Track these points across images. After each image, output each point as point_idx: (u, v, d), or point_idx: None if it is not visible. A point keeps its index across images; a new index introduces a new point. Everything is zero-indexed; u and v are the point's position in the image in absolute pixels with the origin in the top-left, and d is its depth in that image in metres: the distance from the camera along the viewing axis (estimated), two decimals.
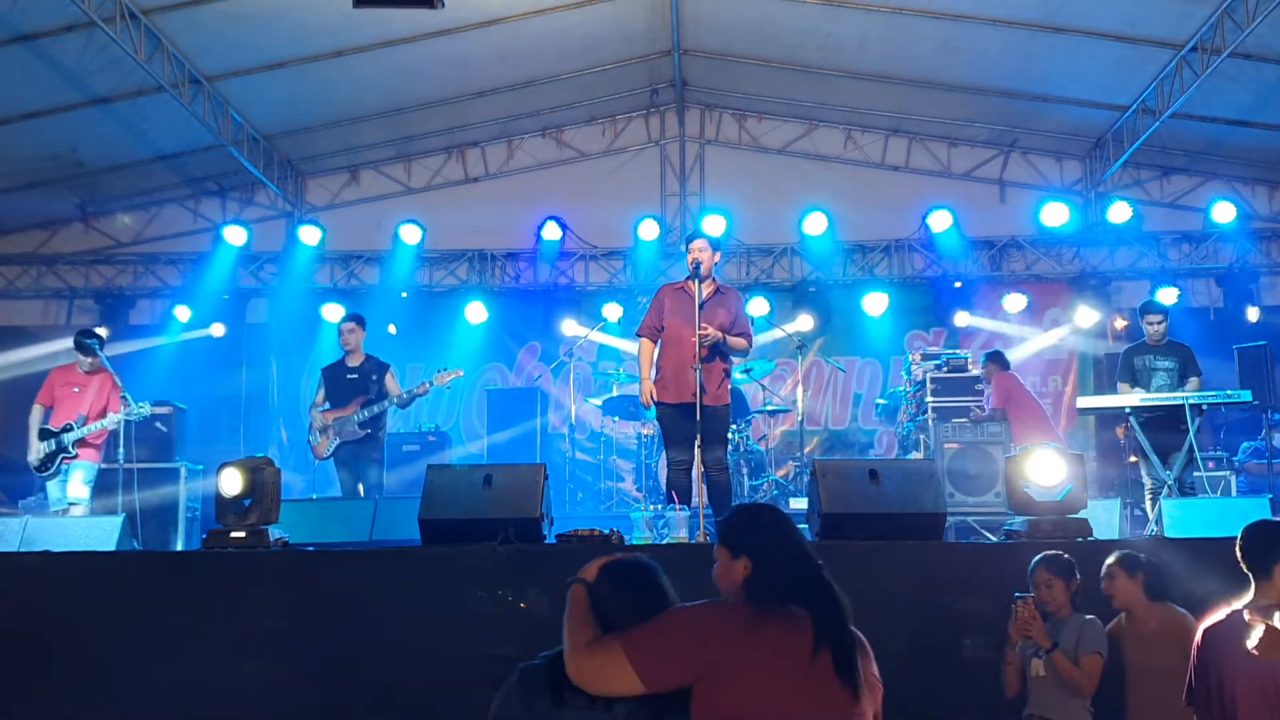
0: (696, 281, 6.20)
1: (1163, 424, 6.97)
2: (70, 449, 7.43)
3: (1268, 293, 11.64)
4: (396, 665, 4.75)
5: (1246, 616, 3.31)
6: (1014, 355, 10.70)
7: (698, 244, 6.36)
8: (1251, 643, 3.19)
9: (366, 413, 7.96)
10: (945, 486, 7.68)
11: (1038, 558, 4.42)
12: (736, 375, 8.44)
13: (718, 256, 6.51)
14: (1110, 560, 4.33)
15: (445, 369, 8.31)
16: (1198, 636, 3.52)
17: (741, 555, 2.64)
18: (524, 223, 11.70)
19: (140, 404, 7.38)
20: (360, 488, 7.92)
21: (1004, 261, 11.96)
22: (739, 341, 6.42)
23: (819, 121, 12.10)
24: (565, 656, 2.49)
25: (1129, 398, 7.21)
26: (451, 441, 10.85)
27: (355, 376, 8.15)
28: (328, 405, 8.13)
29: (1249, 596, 3.46)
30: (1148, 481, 7.24)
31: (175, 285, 12.16)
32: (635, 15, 10.15)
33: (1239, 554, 3.53)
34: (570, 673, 2.47)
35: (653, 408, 6.52)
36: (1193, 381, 7.47)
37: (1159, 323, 7.65)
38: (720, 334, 6.21)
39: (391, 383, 8.22)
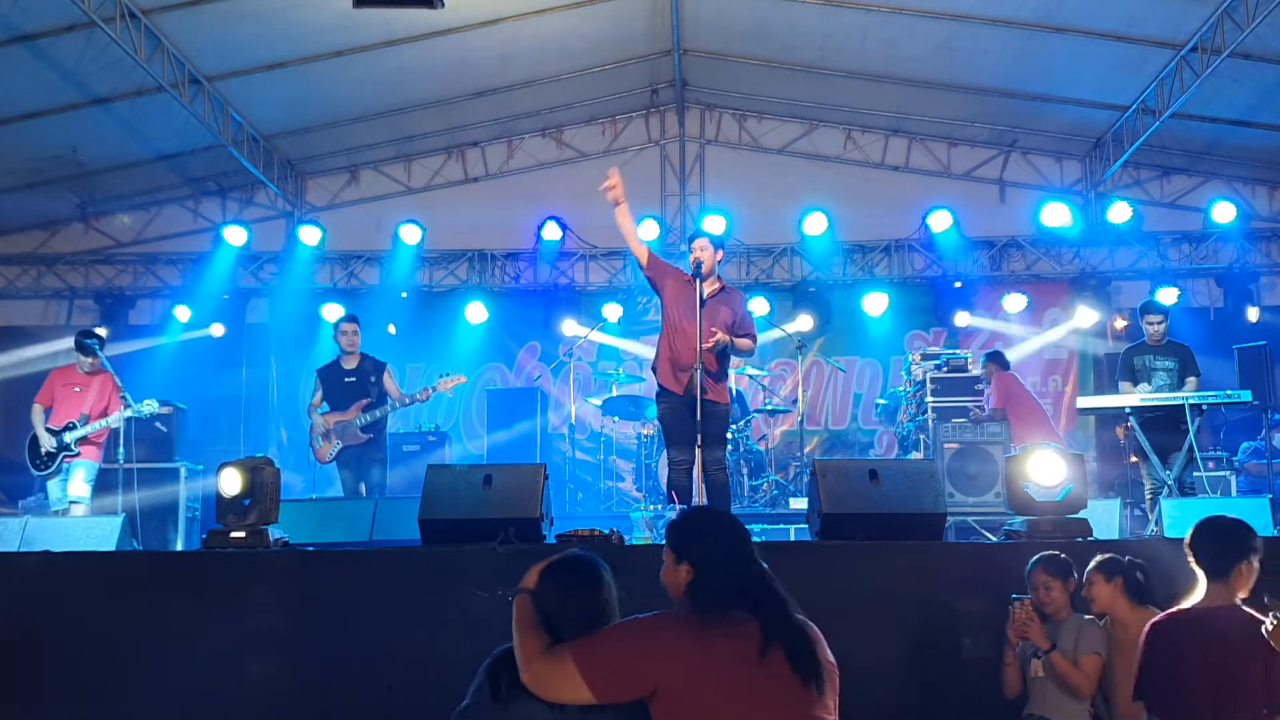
0: (698, 280, 6.20)
1: (1163, 424, 6.97)
2: (73, 447, 7.44)
3: (1268, 293, 11.65)
4: (396, 665, 4.75)
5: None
6: (1014, 355, 10.70)
7: (699, 243, 6.35)
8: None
9: (369, 417, 7.96)
10: (945, 486, 7.69)
11: (1035, 559, 4.41)
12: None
13: (720, 255, 6.48)
14: (1090, 566, 4.29)
15: (448, 374, 8.30)
16: (1144, 634, 3.50)
17: (684, 560, 2.66)
18: (524, 223, 11.70)
19: (147, 400, 7.39)
20: (363, 488, 7.92)
21: (1004, 261, 11.96)
22: (744, 342, 6.41)
23: (819, 121, 12.10)
24: (519, 666, 2.54)
25: (1129, 398, 7.21)
26: (451, 441, 10.85)
27: (354, 379, 8.11)
28: (325, 407, 8.09)
29: (1198, 596, 3.43)
30: (1148, 482, 7.24)
31: (175, 285, 12.16)
32: (635, 15, 10.15)
33: (1192, 552, 3.48)
34: (526, 682, 2.52)
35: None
36: (1191, 381, 7.47)
37: (1159, 323, 7.65)
38: (727, 337, 6.22)
39: (390, 382, 8.20)
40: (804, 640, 2.55)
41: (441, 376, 8.29)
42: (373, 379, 8.11)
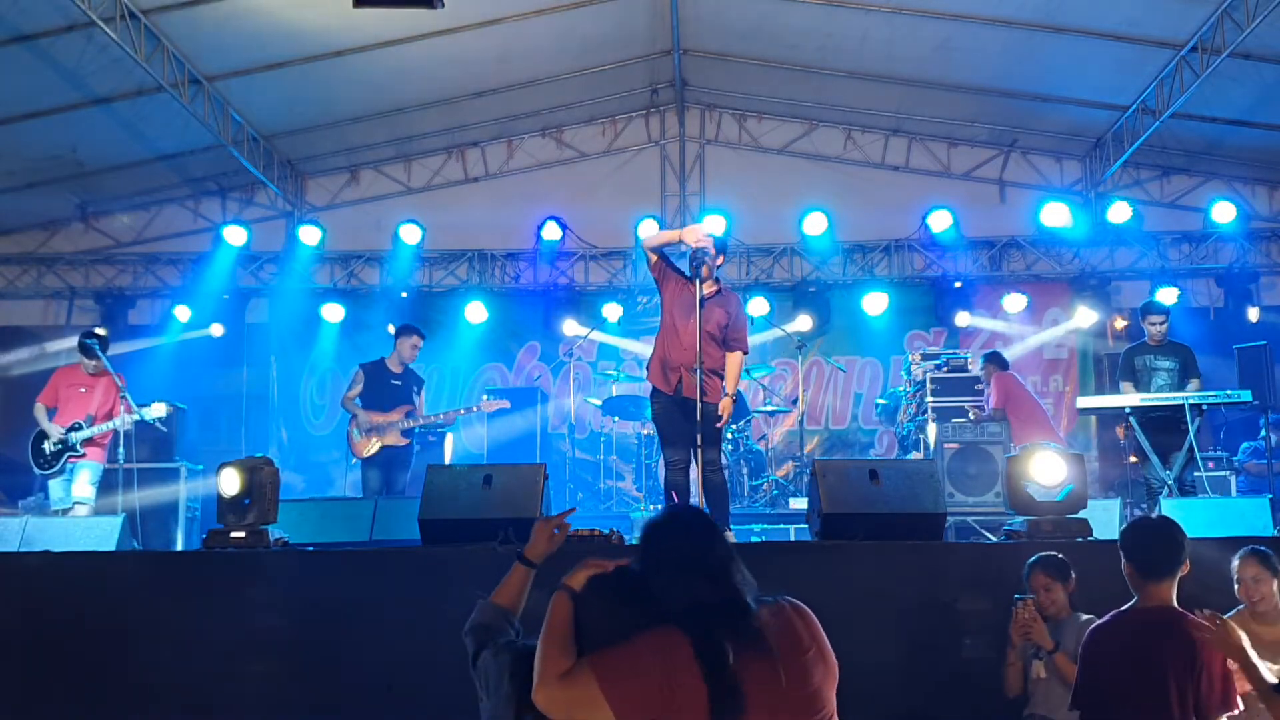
0: (697, 281, 6.18)
1: (1163, 424, 6.98)
2: (78, 447, 7.42)
3: (1268, 293, 11.64)
4: (396, 665, 4.75)
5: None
6: (1014, 355, 10.71)
7: None
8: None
9: (411, 422, 8.27)
10: (945, 486, 7.69)
11: (1032, 560, 4.40)
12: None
13: (720, 260, 6.36)
14: None
15: (492, 396, 8.80)
16: (1084, 641, 3.50)
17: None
18: (524, 223, 11.70)
19: (155, 403, 7.39)
20: (386, 490, 8.13)
21: (1004, 261, 11.95)
22: (734, 359, 6.35)
23: (819, 121, 12.09)
24: (535, 682, 2.33)
25: (1129, 398, 7.22)
26: (451, 441, 10.83)
27: (399, 384, 8.38)
28: (359, 402, 8.29)
29: (1136, 600, 3.42)
30: (1148, 482, 7.24)
31: (175, 285, 12.15)
32: (635, 15, 10.15)
33: (1137, 555, 3.42)
34: (539, 702, 2.31)
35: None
36: (1193, 383, 7.47)
37: (1160, 323, 7.65)
38: (730, 398, 6.24)
39: (420, 400, 8.51)
40: (723, 658, 2.28)
41: (486, 397, 8.74)
42: (415, 389, 8.44)
